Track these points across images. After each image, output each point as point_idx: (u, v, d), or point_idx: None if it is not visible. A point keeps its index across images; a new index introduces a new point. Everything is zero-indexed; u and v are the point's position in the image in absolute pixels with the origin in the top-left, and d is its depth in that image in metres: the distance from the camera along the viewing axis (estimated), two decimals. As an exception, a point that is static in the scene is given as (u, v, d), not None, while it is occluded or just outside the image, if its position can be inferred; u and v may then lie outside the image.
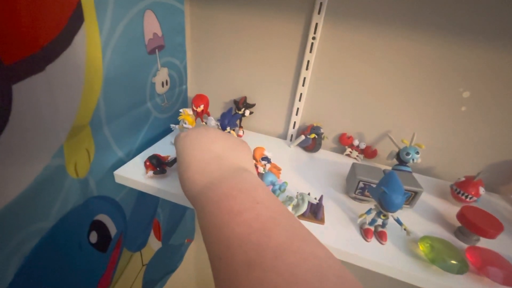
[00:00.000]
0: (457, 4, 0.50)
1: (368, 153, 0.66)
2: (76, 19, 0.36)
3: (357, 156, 0.67)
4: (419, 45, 0.55)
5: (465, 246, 0.43)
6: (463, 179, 0.53)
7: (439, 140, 0.61)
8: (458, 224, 0.46)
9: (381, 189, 0.40)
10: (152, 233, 0.73)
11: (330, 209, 0.48)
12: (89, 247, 0.49)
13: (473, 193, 0.50)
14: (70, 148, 0.40)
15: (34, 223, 0.36)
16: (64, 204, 0.41)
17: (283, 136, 0.75)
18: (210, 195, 0.27)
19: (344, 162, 0.64)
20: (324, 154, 0.68)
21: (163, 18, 0.57)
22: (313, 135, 0.65)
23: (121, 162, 0.53)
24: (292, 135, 0.72)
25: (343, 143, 0.68)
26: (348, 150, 0.68)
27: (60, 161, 0.39)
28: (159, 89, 0.62)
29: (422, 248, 0.40)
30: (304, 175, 0.57)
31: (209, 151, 0.33)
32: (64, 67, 0.35)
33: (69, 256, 0.44)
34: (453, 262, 0.38)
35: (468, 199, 0.51)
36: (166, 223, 0.80)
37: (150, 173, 0.49)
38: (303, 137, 0.66)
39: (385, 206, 0.40)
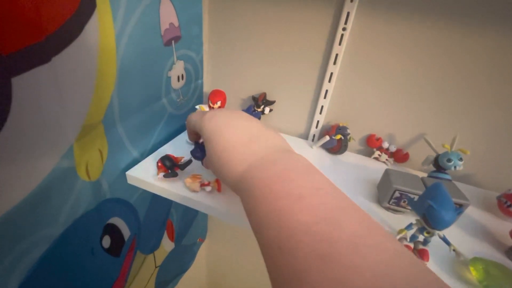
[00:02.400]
0: (517, -11, 0.43)
1: (399, 157, 0.61)
2: (88, 4, 0.32)
3: (386, 159, 0.61)
4: (466, 38, 0.48)
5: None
6: (514, 190, 0.46)
7: (484, 144, 0.55)
8: (510, 242, 0.40)
9: (427, 203, 0.35)
10: (165, 234, 0.70)
11: (362, 221, 0.43)
12: (102, 252, 0.46)
13: (527, 207, 0.44)
14: (80, 148, 0.37)
15: (40, 230, 0.33)
16: (75, 208, 0.38)
17: (304, 136, 0.70)
18: (259, 175, 0.25)
19: (373, 167, 0.59)
20: (350, 157, 0.63)
21: (180, 7, 0.52)
22: (338, 136, 0.59)
23: (135, 162, 0.50)
24: (314, 135, 0.67)
25: (371, 145, 0.62)
26: (377, 153, 0.62)
27: (69, 163, 0.35)
28: (175, 84, 0.58)
29: (474, 273, 0.35)
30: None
31: (247, 130, 0.30)
32: (73, 58, 0.32)
33: (81, 264, 0.42)
34: (514, 291, 0.32)
35: (520, 214, 0.45)
36: (180, 223, 0.78)
37: (161, 175, 0.46)
38: (327, 137, 0.60)
39: (431, 222, 0.35)
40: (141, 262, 0.61)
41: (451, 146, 0.51)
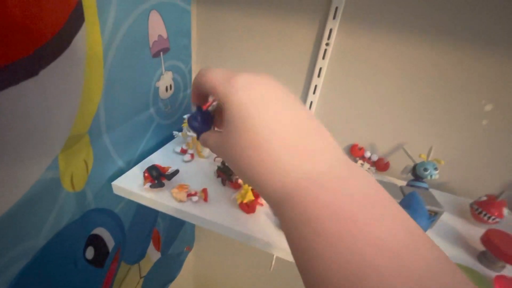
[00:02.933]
0: (481, 14, 0.47)
1: (381, 166, 0.63)
2: (76, 18, 0.33)
3: (368, 168, 0.64)
4: (440, 55, 0.52)
5: (488, 271, 0.40)
6: (485, 198, 0.49)
7: (457, 154, 0.58)
8: (481, 247, 0.43)
9: (403, 212, 0.37)
10: (151, 244, 0.69)
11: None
12: (85, 264, 0.45)
13: (496, 214, 0.47)
14: (66, 159, 0.37)
15: (23, 242, 0.33)
16: (58, 220, 0.38)
17: (291, 145, 0.71)
18: (323, 198, 0.17)
19: (356, 175, 0.61)
20: (334, 166, 0.65)
21: (169, 19, 0.54)
22: (323, 146, 0.61)
23: (121, 172, 0.50)
24: (300, 144, 0.69)
25: (354, 154, 0.65)
26: (359, 162, 0.64)
27: (54, 174, 0.35)
28: (163, 94, 0.59)
29: (447, 277, 0.37)
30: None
31: (299, 120, 0.20)
32: (61, 71, 0.32)
33: (63, 276, 0.41)
34: (483, 294, 0.35)
35: (490, 220, 0.48)
36: (166, 232, 0.77)
37: (147, 185, 0.46)
38: (312, 147, 0.62)
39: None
40: (126, 272, 0.60)
41: (428, 156, 0.54)
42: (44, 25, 0.29)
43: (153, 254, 0.72)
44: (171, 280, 0.91)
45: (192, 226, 0.99)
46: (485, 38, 0.48)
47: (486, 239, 0.42)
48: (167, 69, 0.58)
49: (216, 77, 0.23)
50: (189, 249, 1.02)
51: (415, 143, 0.60)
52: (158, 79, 0.56)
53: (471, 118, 0.54)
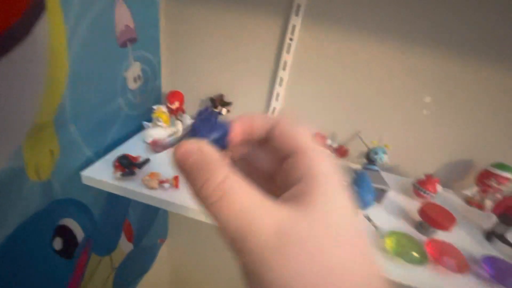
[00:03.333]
0: (421, 16, 0.54)
1: (341, 152, 0.70)
2: (37, 7, 0.32)
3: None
4: (389, 53, 0.58)
5: (425, 238, 0.48)
6: (424, 177, 0.58)
7: (403, 140, 0.66)
8: (419, 218, 0.50)
9: (352, 188, 0.43)
10: (123, 235, 0.70)
11: (305, 208, 0.49)
12: (53, 255, 0.45)
13: (430, 189, 0.55)
14: (30, 148, 0.36)
15: (-13, 232, 0.33)
16: (24, 210, 0.38)
17: (260, 135, 0.75)
18: None
19: (318, 161, 0.67)
20: (300, 153, 0.70)
21: (136, 9, 0.54)
22: (289, 135, 0.66)
23: (89, 162, 0.50)
24: (268, 134, 0.73)
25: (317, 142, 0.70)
26: (322, 149, 0.70)
27: (18, 162, 0.35)
28: (131, 85, 0.59)
29: (388, 243, 0.43)
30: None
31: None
32: (22, 59, 0.32)
33: (30, 266, 0.41)
34: (415, 255, 0.41)
35: (427, 195, 0.56)
36: (138, 224, 0.77)
37: (118, 174, 0.47)
38: (279, 136, 0.67)
39: (356, 204, 0.42)
40: (97, 264, 0.60)
41: (378, 142, 0.61)
42: (1, 14, 0.29)
43: (125, 246, 0.72)
44: (144, 272, 0.91)
45: (165, 218, 0.99)
46: (424, 39, 0.56)
47: (421, 211, 0.49)
48: (135, 60, 0.58)
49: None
50: (163, 241, 1.03)
51: (369, 131, 0.67)
52: (126, 69, 0.56)
53: (414, 108, 0.62)
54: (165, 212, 0.96)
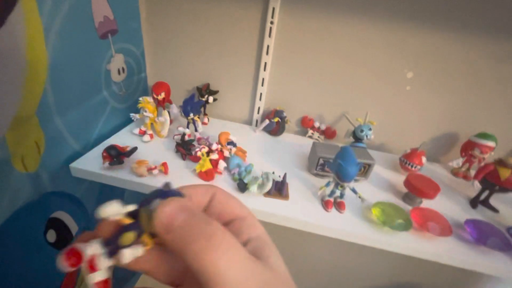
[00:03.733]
0: (399, -9, 0.55)
1: (329, 133, 0.71)
2: (9, -3, 0.33)
3: (318, 137, 0.71)
4: (369, 31, 0.59)
5: (410, 207, 0.49)
6: (409, 151, 0.59)
7: (389, 117, 0.67)
8: (405, 190, 0.52)
9: (337, 162, 0.44)
10: (118, 229, 0.70)
11: (294, 186, 0.51)
12: (48, 247, 0.46)
13: (416, 162, 0.57)
14: (14, 140, 0.37)
15: (-23, 222, 0.33)
16: (13, 200, 0.38)
17: (249, 122, 0.76)
18: None
19: (307, 144, 0.68)
20: (288, 137, 0.71)
21: (114, 0, 0.53)
22: (276, 119, 0.67)
23: (78, 155, 0.50)
24: (257, 120, 0.74)
25: (305, 125, 0.71)
26: (310, 132, 0.71)
27: (3, 154, 0.35)
28: (115, 77, 0.59)
29: (374, 213, 0.44)
30: (269, 157, 0.60)
31: None
32: (-2, 49, 0.32)
33: (25, 257, 0.41)
34: (400, 221, 0.43)
35: (413, 168, 0.57)
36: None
37: (106, 163, 0.47)
38: (267, 121, 0.67)
39: (341, 176, 0.44)
40: (94, 256, 0.61)
41: (364, 120, 0.62)
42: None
43: (122, 239, 0.73)
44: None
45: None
46: (402, 14, 0.56)
47: (406, 181, 0.50)
48: (117, 52, 0.58)
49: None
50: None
51: (355, 111, 0.68)
52: (109, 62, 0.56)
53: (397, 85, 0.63)
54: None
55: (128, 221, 0.15)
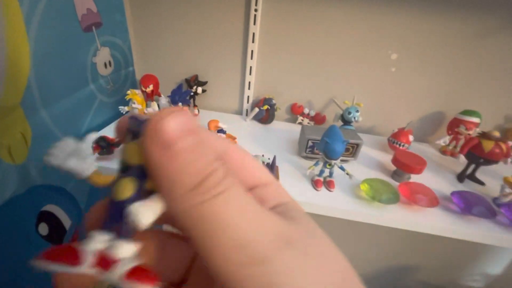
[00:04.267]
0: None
1: (318, 119, 0.71)
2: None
3: (308, 123, 0.71)
4: (354, 14, 0.60)
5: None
6: (397, 130, 0.60)
7: (376, 100, 0.68)
8: (394, 168, 0.53)
9: (324, 141, 0.45)
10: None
11: (284, 169, 0.51)
12: (40, 240, 0.46)
13: (404, 141, 0.58)
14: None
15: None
16: (1, 191, 0.38)
17: (239, 112, 0.76)
18: None
19: (297, 130, 0.68)
20: (278, 125, 0.71)
21: (96, -7, 0.53)
22: (266, 107, 0.67)
23: (66, 148, 0.50)
24: (247, 109, 0.74)
25: (295, 112, 0.72)
26: (300, 118, 0.72)
27: (-12, 144, 0.35)
28: (102, 70, 0.59)
29: (363, 188, 0.45)
30: (260, 144, 0.60)
31: None
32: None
33: (17, 250, 0.41)
34: (389, 195, 0.43)
35: (401, 147, 0.58)
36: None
37: (96, 155, 0.48)
38: (257, 109, 0.68)
39: (328, 154, 0.44)
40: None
41: (352, 103, 0.63)
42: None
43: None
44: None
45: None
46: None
47: (394, 158, 0.51)
48: (103, 45, 0.58)
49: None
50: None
51: (343, 96, 0.68)
52: (94, 55, 0.56)
53: (382, 66, 0.64)
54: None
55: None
